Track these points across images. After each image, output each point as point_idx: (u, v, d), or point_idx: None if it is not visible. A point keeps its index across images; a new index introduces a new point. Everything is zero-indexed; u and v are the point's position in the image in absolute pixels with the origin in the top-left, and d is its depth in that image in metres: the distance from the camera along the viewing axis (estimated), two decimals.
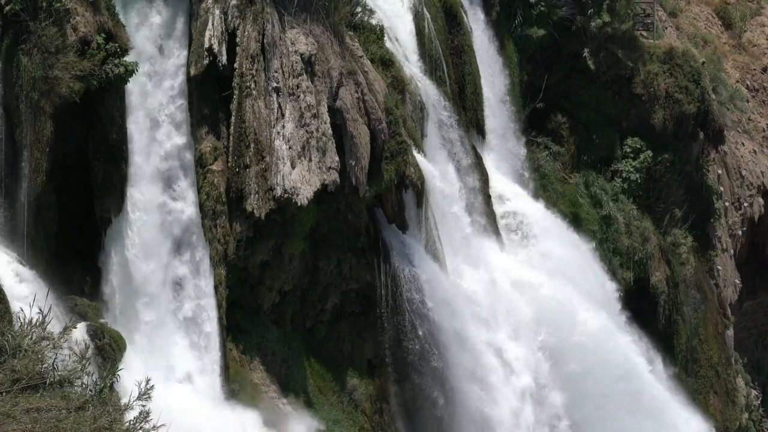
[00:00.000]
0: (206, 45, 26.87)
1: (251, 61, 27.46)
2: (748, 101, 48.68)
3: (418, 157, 31.28)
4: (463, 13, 36.25)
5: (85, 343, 22.56)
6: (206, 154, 27.26)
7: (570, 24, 39.42)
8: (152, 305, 26.36)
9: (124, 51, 24.91)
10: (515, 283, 34.40)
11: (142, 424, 12.01)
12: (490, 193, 35.37)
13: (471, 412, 31.67)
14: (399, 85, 31.82)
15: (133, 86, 25.56)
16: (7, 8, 23.55)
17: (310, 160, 27.92)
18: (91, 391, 12.54)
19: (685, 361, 41.22)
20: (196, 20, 27.14)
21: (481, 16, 37.80)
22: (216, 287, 27.13)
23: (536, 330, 33.91)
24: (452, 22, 35.78)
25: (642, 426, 35.66)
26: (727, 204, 45.13)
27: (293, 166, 27.59)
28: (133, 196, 25.70)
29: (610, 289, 38.05)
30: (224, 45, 27.18)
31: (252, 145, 27.30)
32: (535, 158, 39.15)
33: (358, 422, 29.99)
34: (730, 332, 44.68)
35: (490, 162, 36.31)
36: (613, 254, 39.27)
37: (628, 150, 40.84)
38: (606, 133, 40.94)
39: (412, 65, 33.32)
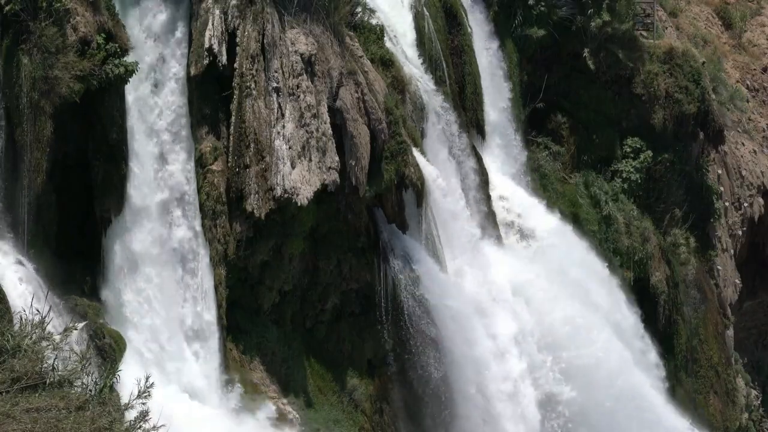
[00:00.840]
0: (206, 45, 26.87)
1: (251, 61, 27.46)
2: (748, 101, 48.67)
3: (418, 157, 31.28)
4: (463, 13, 36.25)
5: (85, 343, 22.59)
6: (206, 154, 27.26)
7: (570, 24, 39.42)
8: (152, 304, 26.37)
9: (124, 51, 24.91)
10: (514, 282, 34.41)
11: (142, 423, 12.01)
12: (490, 193, 35.38)
13: (471, 412, 31.67)
14: (399, 85, 31.82)
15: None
16: (7, 8, 23.53)
17: (310, 160, 27.93)
18: (90, 391, 12.54)
19: (685, 361, 41.22)
20: (196, 20, 27.14)
21: (481, 16, 37.81)
22: (216, 287, 27.13)
23: (536, 330, 33.92)
24: (452, 22, 35.79)
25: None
26: (727, 204, 45.13)
27: (293, 166, 27.59)
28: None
29: (608, 282, 38.09)
30: (224, 45, 27.18)
31: (252, 145, 27.30)
32: (535, 158, 39.15)
33: (358, 422, 29.99)
34: (730, 332, 44.69)
35: (490, 162, 36.32)
36: (613, 254, 39.27)
37: (628, 150, 40.84)
38: (606, 133, 40.95)
39: (412, 65, 33.32)
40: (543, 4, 38.37)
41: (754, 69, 50.56)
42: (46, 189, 24.23)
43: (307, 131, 27.96)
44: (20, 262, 23.59)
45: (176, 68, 27.00)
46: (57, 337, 13.00)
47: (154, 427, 12.10)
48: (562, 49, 40.04)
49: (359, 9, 31.32)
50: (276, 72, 27.75)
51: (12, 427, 11.34)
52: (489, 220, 35.07)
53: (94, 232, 25.58)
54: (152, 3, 26.74)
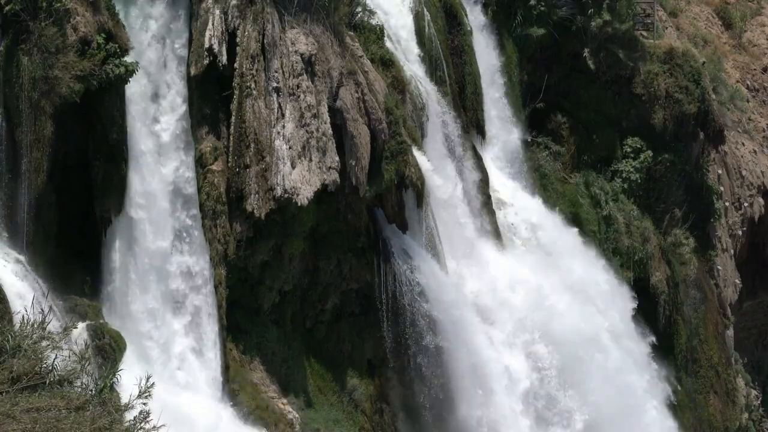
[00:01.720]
0: (206, 45, 26.87)
1: (251, 61, 27.46)
2: (748, 101, 48.66)
3: (418, 157, 31.27)
4: (463, 13, 36.23)
5: (85, 343, 22.58)
6: (206, 154, 27.26)
7: (570, 24, 39.42)
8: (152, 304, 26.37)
9: (124, 51, 24.90)
10: (514, 282, 34.40)
11: (142, 424, 12.00)
12: (490, 193, 35.37)
13: (471, 412, 31.67)
14: (399, 85, 31.81)
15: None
16: (7, 8, 23.52)
17: (310, 160, 27.92)
18: (91, 391, 12.53)
19: (685, 361, 41.21)
20: (196, 20, 27.13)
21: (481, 16, 37.79)
22: (216, 287, 27.12)
23: (535, 329, 33.92)
24: (452, 22, 35.78)
25: None
26: (727, 204, 45.12)
27: (293, 166, 27.59)
28: None
29: (608, 280, 38.11)
30: (224, 45, 27.18)
31: (252, 145, 27.29)
32: (535, 158, 39.14)
33: (358, 422, 29.99)
34: (730, 332, 44.67)
35: (490, 162, 36.31)
36: (613, 254, 39.27)
37: (628, 150, 40.84)
38: (606, 133, 40.94)
39: (412, 65, 33.31)
40: (543, 3, 38.36)
41: (754, 69, 50.55)
42: (46, 189, 24.22)
43: (307, 131, 27.96)
44: (20, 262, 23.59)
45: (176, 68, 26.99)
46: (57, 337, 13.00)
47: (154, 427, 12.10)
48: (562, 49, 40.03)
49: (359, 9, 31.31)
50: (276, 72, 27.74)
51: (12, 427, 11.33)
52: (489, 220, 35.06)
53: (94, 232, 25.57)
54: (152, 3, 26.73)
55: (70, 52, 23.98)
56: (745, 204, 46.42)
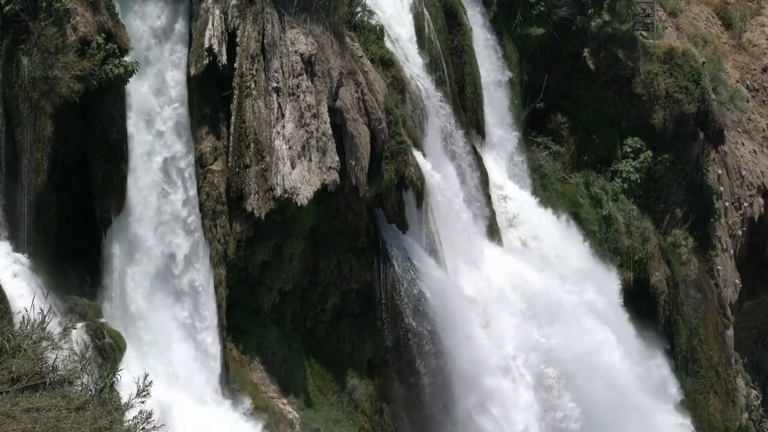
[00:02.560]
0: (206, 45, 26.86)
1: (251, 61, 27.45)
2: (748, 101, 48.67)
3: (418, 157, 31.27)
4: (463, 13, 36.23)
5: (85, 343, 22.58)
6: (206, 154, 27.25)
7: (570, 24, 39.42)
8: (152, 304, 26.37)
9: (124, 51, 24.89)
10: (514, 282, 34.41)
11: (143, 424, 12.00)
12: (490, 193, 35.37)
13: (471, 412, 31.67)
14: (399, 85, 31.80)
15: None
16: (7, 8, 23.52)
17: (310, 160, 27.92)
18: (91, 390, 12.53)
19: (685, 361, 41.22)
20: (196, 20, 27.12)
21: (481, 16, 37.79)
22: (216, 287, 27.11)
23: (535, 329, 33.92)
24: (452, 22, 35.78)
25: None
26: (727, 204, 45.12)
27: (293, 166, 27.58)
28: None
29: (610, 283, 38.13)
30: (224, 45, 27.17)
31: (252, 145, 27.29)
32: (535, 158, 39.15)
33: (358, 422, 29.98)
34: (730, 332, 44.67)
35: (490, 162, 36.31)
36: (613, 254, 39.27)
37: (628, 150, 40.84)
38: (606, 133, 40.94)
39: (412, 65, 33.30)
40: (543, 3, 38.37)
41: (754, 69, 50.55)
42: (46, 189, 24.21)
43: (307, 131, 27.95)
44: (20, 262, 23.58)
45: (176, 68, 26.98)
46: (58, 338, 13.00)
47: (154, 427, 12.10)
48: (562, 49, 40.04)
49: (359, 9, 31.31)
50: (276, 72, 27.74)
51: (12, 427, 11.33)
52: (489, 220, 35.07)
53: (94, 232, 25.57)
54: (152, 3, 26.71)
55: (70, 52, 23.97)
56: (745, 204, 46.43)
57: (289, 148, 27.59)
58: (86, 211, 25.47)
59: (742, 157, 46.97)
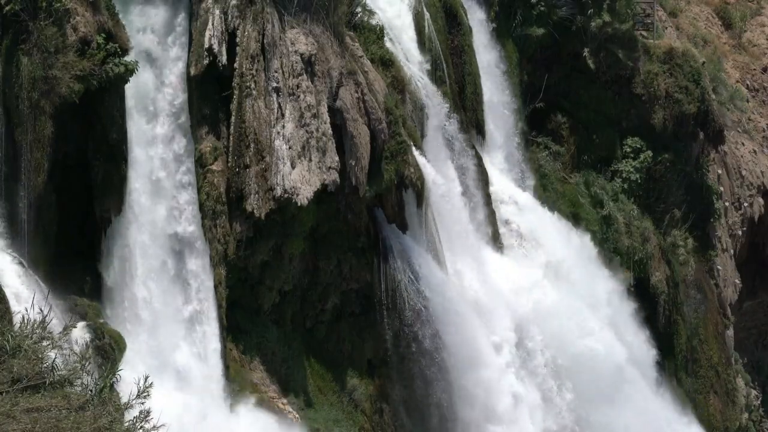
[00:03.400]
0: (206, 45, 26.86)
1: (251, 61, 27.45)
2: (748, 101, 48.66)
3: (418, 157, 31.27)
4: (463, 13, 36.23)
5: (85, 343, 22.58)
6: (206, 154, 27.25)
7: (570, 24, 39.41)
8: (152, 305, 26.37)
9: (124, 51, 24.90)
10: (514, 282, 34.42)
11: (143, 423, 12.00)
12: (490, 194, 35.36)
13: (472, 412, 31.67)
14: (399, 85, 31.81)
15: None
16: (7, 8, 23.53)
17: (310, 160, 27.92)
18: (91, 390, 12.53)
19: (685, 361, 41.22)
20: (196, 20, 27.13)
21: (481, 16, 37.79)
22: (216, 287, 27.12)
23: (535, 329, 33.94)
24: (452, 22, 35.77)
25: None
26: (727, 204, 45.12)
27: (293, 166, 27.58)
28: None
29: (609, 287, 38.11)
30: (224, 45, 27.17)
31: (252, 145, 27.29)
32: (535, 158, 39.14)
33: (358, 422, 29.98)
34: (730, 332, 44.67)
35: (490, 162, 36.31)
36: (613, 254, 39.26)
37: (628, 150, 40.84)
38: (606, 133, 40.94)
39: (412, 65, 33.30)
40: (543, 4, 38.37)
41: (754, 69, 50.55)
42: (46, 189, 24.22)
43: (307, 131, 27.95)
44: (20, 262, 23.58)
45: (176, 68, 26.99)
46: (58, 337, 12.99)
47: (154, 427, 12.10)
48: (562, 49, 40.03)
49: (359, 9, 31.31)
50: (276, 72, 27.74)
51: (12, 427, 11.33)
52: (489, 220, 35.06)
53: (94, 232, 25.57)
54: (152, 3, 26.73)
55: (70, 52, 23.97)
56: (745, 204, 46.42)
57: (289, 148, 27.59)
58: (86, 211, 25.48)
59: (742, 157, 46.97)
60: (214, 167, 27.24)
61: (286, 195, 27.29)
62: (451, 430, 31.47)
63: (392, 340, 30.84)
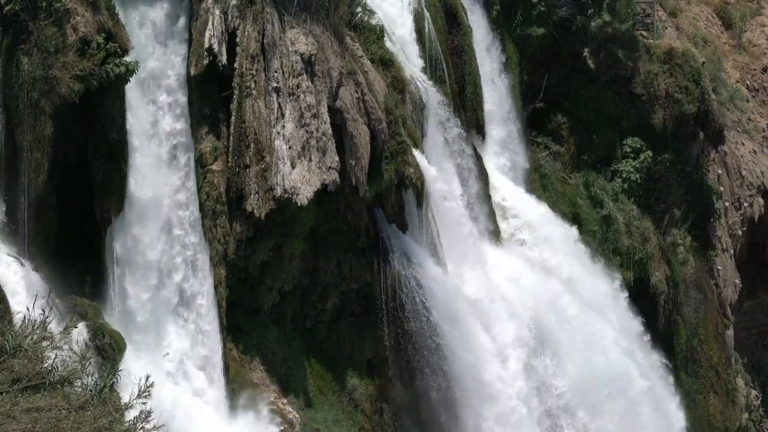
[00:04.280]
0: (206, 45, 26.86)
1: (251, 61, 27.45)
2: (748, 101, 48.67)
3: (418, 157, 31.27)
4: (463, 13, 36.23)
5: (85, 343, 22.58)
6: (206, 154, 27.25)
7: (570, 24, 39.41)
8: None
9: (124, 51, 24.89)
10: (513, 282, 34.41)
11: (143, 424, 12.00)
12: (490, 193, 35.36)
13: (471, 412, 31.66)
14: (399, 85, 31.81)
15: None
16: (7, 8, 23.52)
17: (310, 160, 27.92)
18: (91, 391, 12.53)
19: (685, 361, 41.21)
20: (196, 20, 27.12)
21: (481, 16, 37.80)
22: (216, 287, 27.11)
23: (534, 329, 33.93)
24: (452, 22, 35.77)
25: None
26: (727, 204, 45.12)
27: (293, 166, 27.58)
28: None
29: (608, 283, 38.13)
30: (224, 45, 27.17)
31: (252, 145, 27.29)
32: (535, 158, 39.14)
33: (358, 422, 29.98)
34: (730, 332, 44.67)
35: (490, 162, 36.30)
36: (613, 254, 39.27)
37: (628, 150, 40.84)
38: (606, 133, 40.94)
39: (412, 65, 33.31)
40: (543, 3, 38.37)
41: (754, 69, 50.55)
42: (46, 189, 24.21)
43: (307, 131, 27.95)
44: (20, 262, 23.57)
45: (176, 68, 26.99)
46: (58, 337, 12.99)
47: (154, 427, 12.09)
48: (562, 49, 40.03)
49: (359, 9, 31.31)
50: (276, 72, 27.74)
51: (12, 427, 11.33)
52: (489, 220, 35.06)
53: (94, 232, 25.56)
54: (152, 3, 26.72)
55: (70, 52, 23.97)
56: (745, 204, 46.43)
57: (289, 148, 27.59)
58: (86, 211, 25.47)
59: (742, 157, 46.98)
60: (214, 167, 27.24)
61: (286, 195, 27.29)
62: (452, 429, 31.46)
63: (392, 340, 30.84)
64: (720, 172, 44.93)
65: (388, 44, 32.30)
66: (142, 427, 11.91)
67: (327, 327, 30.30)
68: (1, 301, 22.05)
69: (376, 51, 31.38)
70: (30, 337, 12.77)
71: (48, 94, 23.70)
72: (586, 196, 39.80)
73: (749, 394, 46.10)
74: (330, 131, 28.28)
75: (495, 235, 35.26)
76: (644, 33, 42.77)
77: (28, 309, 14.66)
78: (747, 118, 48.65)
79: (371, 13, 31.81)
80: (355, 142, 28.78)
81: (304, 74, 28.19)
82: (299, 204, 27.51)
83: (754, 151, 47.95)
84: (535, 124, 39.74)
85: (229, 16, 27.40)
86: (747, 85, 49.58)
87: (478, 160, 34.93)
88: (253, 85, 27.38)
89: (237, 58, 27.37)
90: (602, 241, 39.19)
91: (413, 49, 33.84)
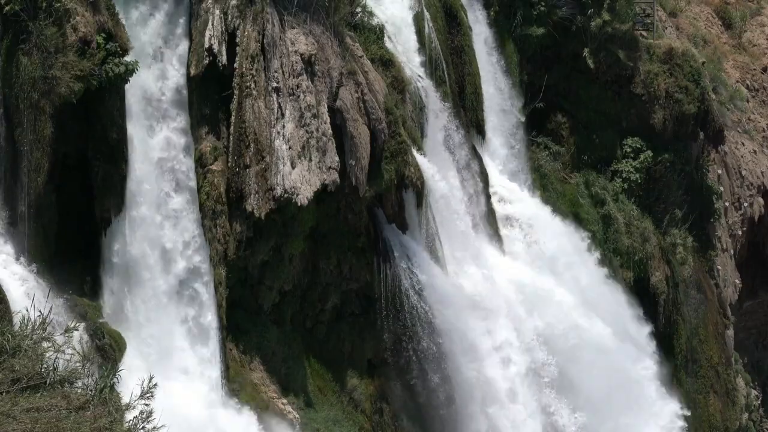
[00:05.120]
0: (206, 45, 26.86)
1: (251, 61, 27.44)
2: (748, 101, 48.68)
3: (418, 157, 31.28)
4: (463, 13, 36.24)
5: (85, 343, 22.57)
6: (206, 154, 27.24)
7: (570, 24, 39.43)
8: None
9: (124, 51, 24.88)
10: (513, 282, 34.42)
11: (144, 424, 11.99)
12: (490, 193, 35.37)
13: (471, 411, 31.67)
14: (399, 85, 31.81)
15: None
16: (7, 8, 23.52)
17: (310, 160, 27.91)
18: (91, 391, 12.52)
19: (685, 361, 41.21)
20: (196, 20, 27.12)
21: (481, 16, 37.81)
22: (216, 287, 27.11)
23: (534, 328, 33.94)
24: (452, 22, 35.77)
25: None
26: (727, 204, 45.12)
27: (293, 166, 27.58)
28: None
29: (605, 280, 38.18)
30: (224, 45, 27.17)
31: (252, 145, 27.28)
32: (535, 158, 39.15)
33: (358, 422, 29.98)
34: (730, 332, 44.68)
35: (490, 162, 36.31)
36: (613, 254, 39.27)
37: (628, 150, 40.84)
38: (606, 133, 40.94)
39: (412, 65, 33.31)
40: (543, 4, 38.38)
41: (754, 69, 50.56)
42: (46, 189, 24.20)
43: (307, 131, 27.95)
44: (20, 262, 23.57)
45: (176, 68, 26.99)
46: (58, 338, 12.99)
47: (154, 427, 12.09)
48: (562, 49, 40.04)
49: (359, 9, 31.31)
50: (276, 72, 27.73)
51: (12, 426, 11.33)
52: (489, 220, 35.07)
53: (94, 232, 25.56)
54: (152, 3, 26.72)
55: (70, 52, 23.96)
56: (745, 204, 46.43)
57: (289, 148, 27.59)
58: (86, 211, 25.46)
59: (742, 157, 46.98)
60: (214, 167, 27.24)
61: (286, 195, 27.29)
62: (451, 428, 31.47)
63: (392, 339, 30.84)
64: (720, 172, 44.94)
65: (388, 44, 32.31)
66: (142, 427, 11.91)
67: (327, 327, 30.30)
68: (1, 301, 22.04)
69: (376, 51, 31.39)
70: (30, 338, 12.77)
71: (48, 94, 23.69)
72: (586, 196, 39.81)
73: (749, 394, 46.10)
74: (330, 131, 28.28)
75: (494, 234, 35.26)
76: (644, 33, 42.77)
77: (27, 309, 14.66)
78: (747, 118, 48.66)
79: (371, 13, 31.83)
80: (355, 142, 28.78)
81: (304, 74, 28.19)
82: (299, 204, 27.51)
83: (754, 151, 47.95)
84: (535, 124, 39.75)
85: (229, 16, 27.40)
86: (747, 85, 49.58)
87: (478, 159, 34.94)
88: (253, 85, 27.38)
89: (237, 58, 27.37)
90: (602, 241, 39.19)
91: (413, 49, 33.84)
